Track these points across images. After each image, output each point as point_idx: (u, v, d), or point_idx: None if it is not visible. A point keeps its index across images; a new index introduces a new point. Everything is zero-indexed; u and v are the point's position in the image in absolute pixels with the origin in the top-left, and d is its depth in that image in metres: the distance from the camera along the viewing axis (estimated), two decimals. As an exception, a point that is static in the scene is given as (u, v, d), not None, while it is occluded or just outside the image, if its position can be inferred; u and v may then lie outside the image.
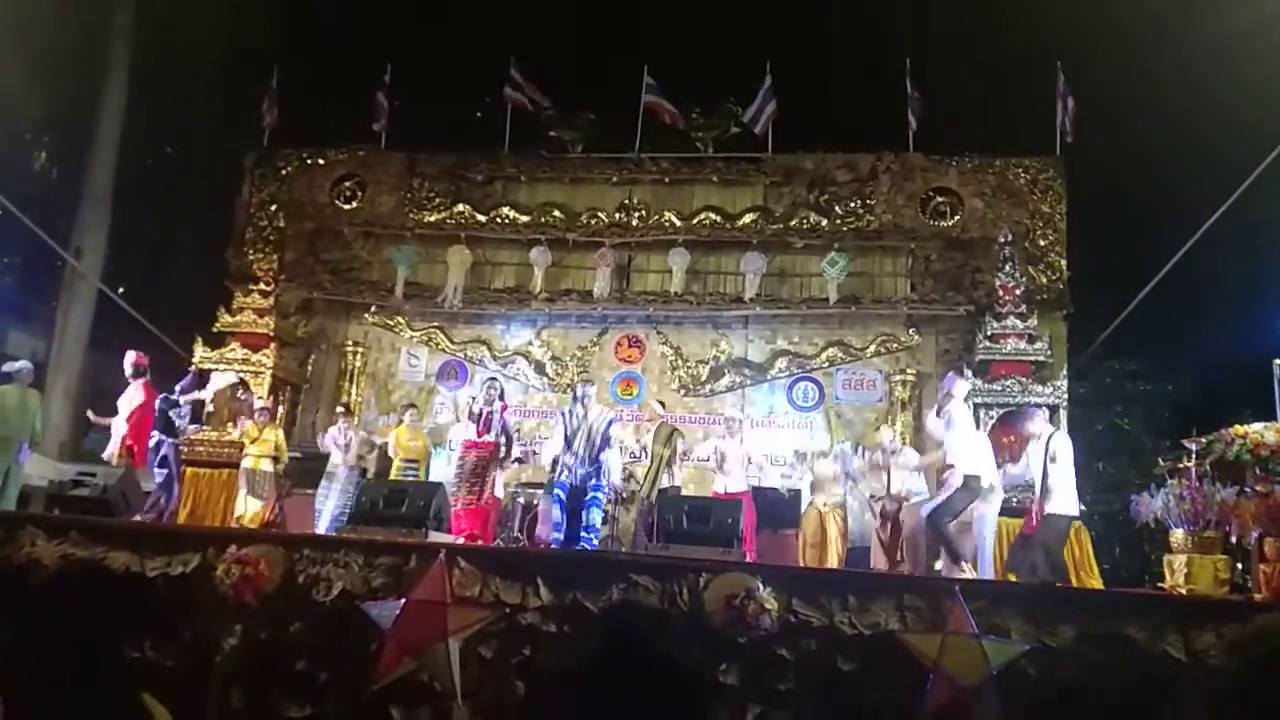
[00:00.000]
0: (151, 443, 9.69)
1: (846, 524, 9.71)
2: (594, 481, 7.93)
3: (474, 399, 9.72)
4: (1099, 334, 12.92)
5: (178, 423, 9.93)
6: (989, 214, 12.88)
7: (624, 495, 10.68)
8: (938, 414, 8.06)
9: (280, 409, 11.46)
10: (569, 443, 8.08)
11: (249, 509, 10.26)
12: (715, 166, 13.78)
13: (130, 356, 10.23)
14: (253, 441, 10.45)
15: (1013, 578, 7.59)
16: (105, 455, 9.77)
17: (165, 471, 9.67)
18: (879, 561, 9.12)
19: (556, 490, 8.07)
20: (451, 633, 5.38)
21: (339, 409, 11.67)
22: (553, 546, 7.93)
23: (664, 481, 10.44)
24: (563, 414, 8.41)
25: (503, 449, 9.23)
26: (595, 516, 7.87)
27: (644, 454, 11.91)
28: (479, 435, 9.20)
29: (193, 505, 11.34)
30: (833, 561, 9.33)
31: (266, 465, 10.43)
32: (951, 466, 7.64)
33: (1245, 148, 11.49)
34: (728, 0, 18.69)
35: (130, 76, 16.21)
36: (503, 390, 9.81)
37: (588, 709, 5.40)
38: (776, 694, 5.37)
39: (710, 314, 13.09)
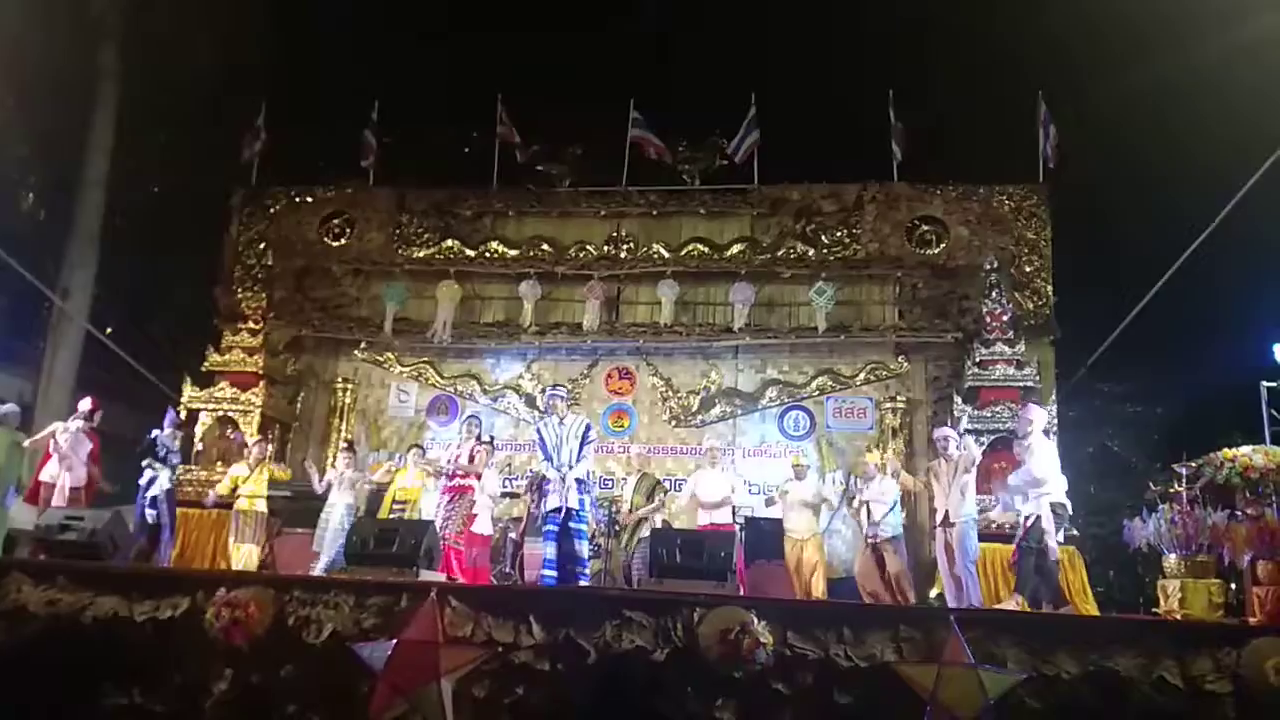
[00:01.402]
0: (142, 480, 9.55)
1: (823, 552, 9.63)
2: (578, 511, 7.74)
3: (449, 444, 9.74)
4: (1087, 358, 12.98)
5: (172, 461, 9.80)
6: (974, 241, 12.96)
7: (616, 528, 10.52)
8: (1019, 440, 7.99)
9: (270, 447, 11.38)
10: (550, 457, 7.89)
11: (243, 558, 9.98)
12: (702, 198, 13.86)
13: (87, 404, 10.09)
14: (244, 482, 10.27)
15: (1021, 598, 7.59)
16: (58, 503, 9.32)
17: (155, 513, 9.49)
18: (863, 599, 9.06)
19: (548, 526, 7.82)
20: (444, 673, 5.33)
21: (343, 443, 11.49)
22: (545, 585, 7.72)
23: (644, 532, 9.91)
24: (538, 429, 8.24)
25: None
26: (583, 549, 7.75)
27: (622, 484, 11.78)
28: (450, 478, 9.20)
29: (181, 547, 11.18)
30: (816, 593, 9.29)
31: (261, 506, 10.21)
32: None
33: (1229, 171, 11.61)
34: (713, 34, 18.89)
35: (116, 115, 16.22)
36: (480, 434, 9.74)
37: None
38: (773, 729, 5.33)
39: (700, 344, 13.11)
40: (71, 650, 5.81)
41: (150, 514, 9.43)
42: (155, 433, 9.79)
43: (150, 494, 9.48)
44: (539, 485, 8.50)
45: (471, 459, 9.24)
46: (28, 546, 8.35)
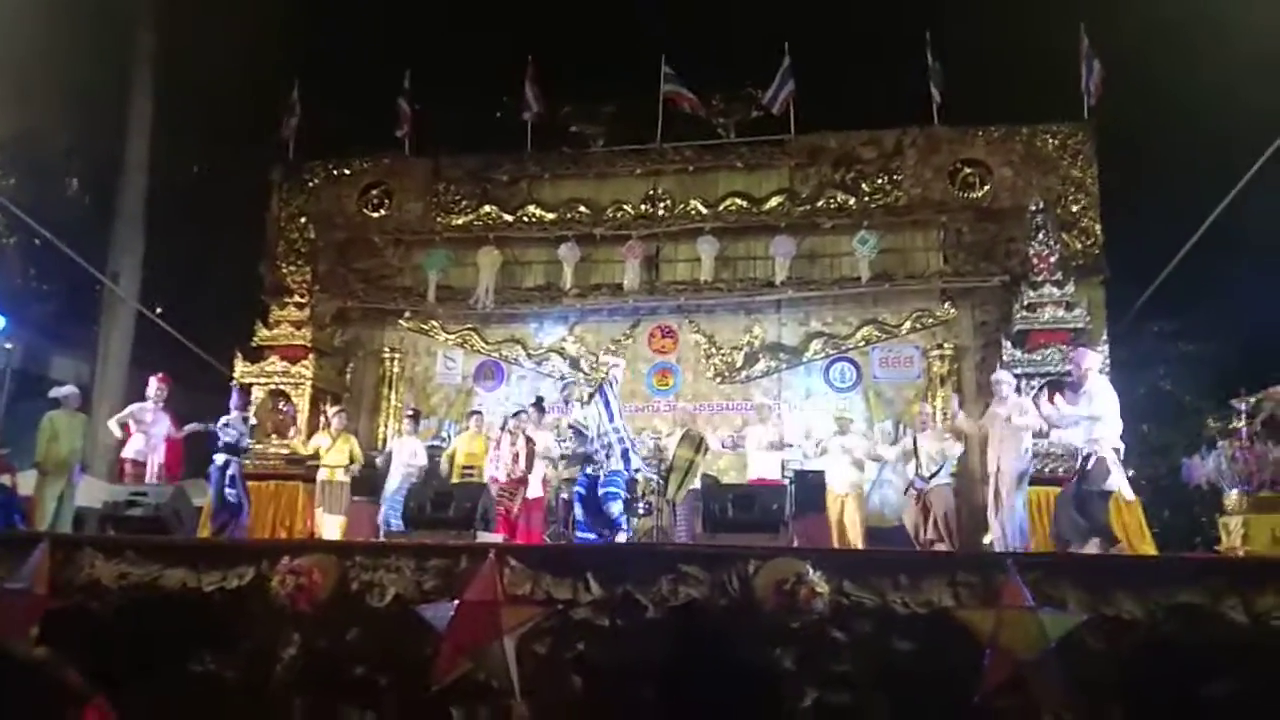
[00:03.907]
0: (219, 461, 9.75)
1: (863, 509, 9.74)
2: (608, 473, 7.73)
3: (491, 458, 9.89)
4: (1138, 297, 12.70)
5: (241, 441, 10.01)
6: (1019, 182, 12.71)
7: (659, 485, 10.52)
8: (1075, 390, 7.89)
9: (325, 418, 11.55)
10: (590, 438, 7.90)
11: (328, 529, 10.16)
12: (739, 152, 13.69)
13: (155, 384, 10.27)
14: (326, 453, 10.47)
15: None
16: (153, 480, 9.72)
17: (234, 491, 9.72)
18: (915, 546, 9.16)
19: (576, 488, 7.97)
20: (506, 631, 5.41)
21: (407, 411, 11.69)
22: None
23: (693, 484, 9.95)
24: (573, 426, 8.24)
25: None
26: (615, 508, 7.66)
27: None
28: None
29: (243, 518, 11.48)
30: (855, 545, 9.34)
31: (342, 476, 10.42)
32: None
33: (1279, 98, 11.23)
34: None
35: (154, 98, 16.42)
36: (520, 426, 9.87)
37: (645, 698, 5.42)
38: (833, 676, 5.36)
39: (742, 300, 13.05)
40: (148, 620, 5.99)
41: (230, 493, 9.66)
42: (224, 418, 9.99)
43: (229, 475, 9.71)
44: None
45: (516, 459, 9.42)
46: (95, 523, 8.60)
